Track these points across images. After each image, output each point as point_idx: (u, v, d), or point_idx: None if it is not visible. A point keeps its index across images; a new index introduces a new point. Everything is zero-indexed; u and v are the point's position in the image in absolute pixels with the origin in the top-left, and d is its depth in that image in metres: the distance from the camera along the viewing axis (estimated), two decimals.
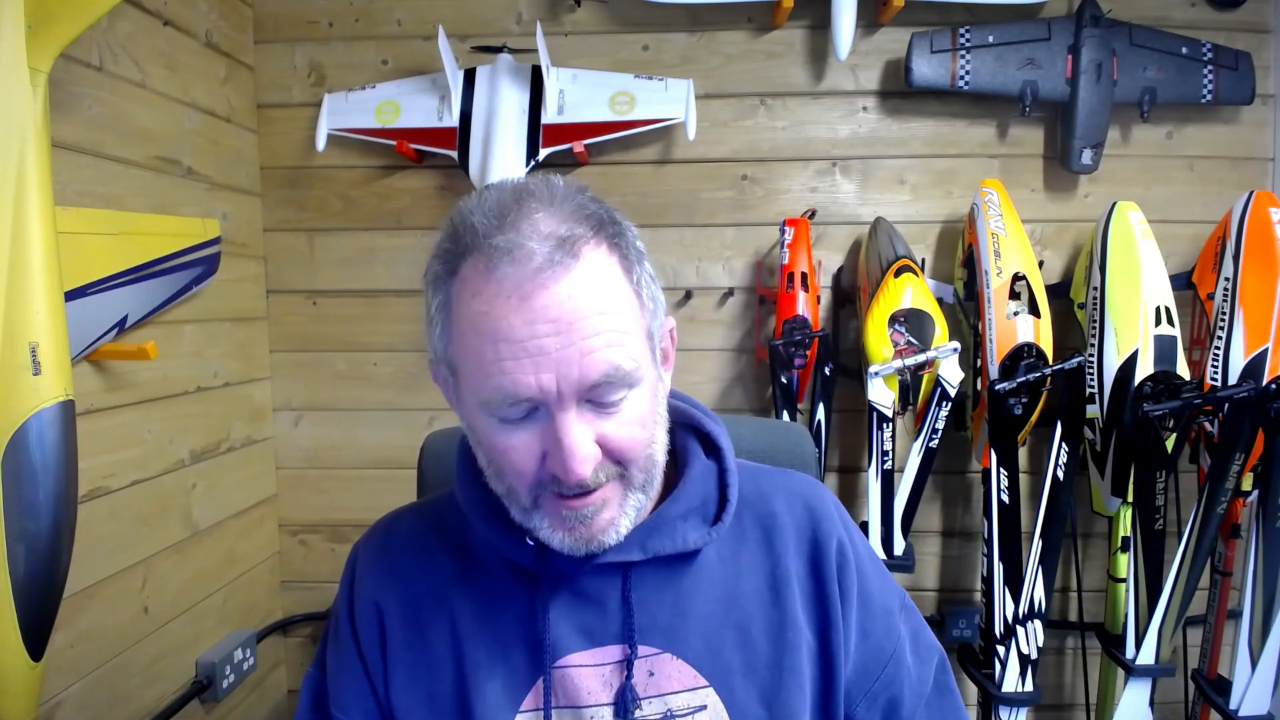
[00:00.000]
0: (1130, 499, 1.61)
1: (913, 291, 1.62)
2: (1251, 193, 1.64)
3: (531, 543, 0.69)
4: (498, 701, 0.68)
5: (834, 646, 0.71)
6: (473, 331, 0.60)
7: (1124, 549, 1.70)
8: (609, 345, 0.60)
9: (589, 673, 0.68)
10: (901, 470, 1.69)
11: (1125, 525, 1.68)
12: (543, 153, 1.76)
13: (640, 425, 0.64)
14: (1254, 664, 1.51)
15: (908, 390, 1.69)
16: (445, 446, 1.01)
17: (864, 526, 1.66)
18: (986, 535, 1.63)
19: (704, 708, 0.68)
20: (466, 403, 0.64)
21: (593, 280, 0.60)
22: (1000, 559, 1.60)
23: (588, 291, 0.60)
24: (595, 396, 0.61)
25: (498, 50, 1.82)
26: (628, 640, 0.68)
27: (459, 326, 0.62)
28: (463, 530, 0.74)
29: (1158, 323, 1.62)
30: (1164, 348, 1.61)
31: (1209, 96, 1.76)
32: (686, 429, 0.77)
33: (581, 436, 0.60)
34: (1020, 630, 1.59)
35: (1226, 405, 1.48)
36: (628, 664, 0.68)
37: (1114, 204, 1.70)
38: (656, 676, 0.68)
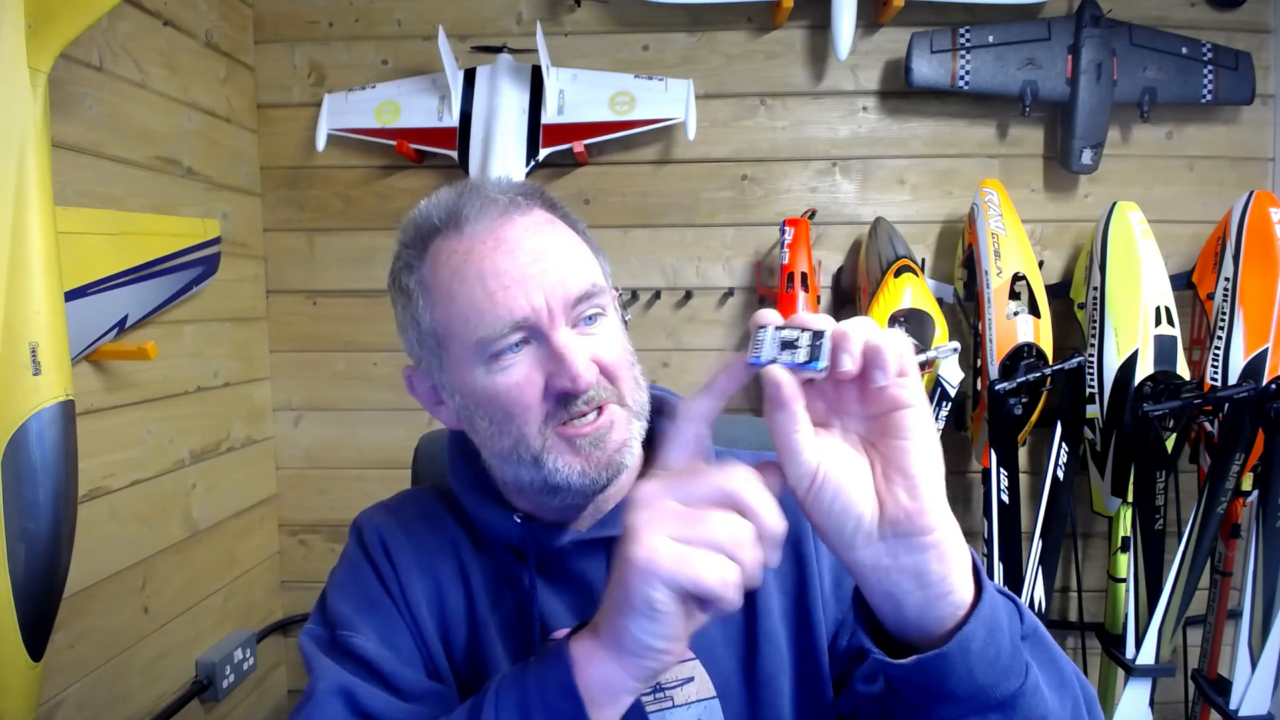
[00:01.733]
0: (1130, 499, 1.61)
1: (913, 291, 1.62)
2: (1251, 193, 1.64)
3: (518, 519, 0.71)
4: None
5: (810, 603, 0.72)
6: (457, 281, 0.65)
7: (1124, 549, 1.70)
8: (581, 268, 0.67)
9: None
10: None
11: (1125, 525, 1.68)
12: (543, 153, 1.76)
13: (620, 347, 0.68)
14: (1254, 664, 1.51)
15: None
16: (438, 447, 1.01)
17: None
18: (986, 535, 1.63)
19: (691, 679, 0.69)
20: (459, 365, 0.66)
21: (550, 224, 0.68)
22: (1000, 559, 1.60)
23: (551, 229, 0.68)
24: (578, 315, 0.66)
25: (498, 50, 1.82)
26: None
27: (441, 289, 0.66)
28: (454, 515, 0.76)
29: (1158, 323, 1.62)
30: (1164, 348, 1.61)
31: (1209, 96, 1.76)
32: (660, 415, 0.78)
33: (578, 345, 0.64)
34: None
35: (1226, 405, 1.49)
36: None
37: (1114, 204, 1.70)
38: None
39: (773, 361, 0.48)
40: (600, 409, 0.65)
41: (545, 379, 0.64)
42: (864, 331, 0.48)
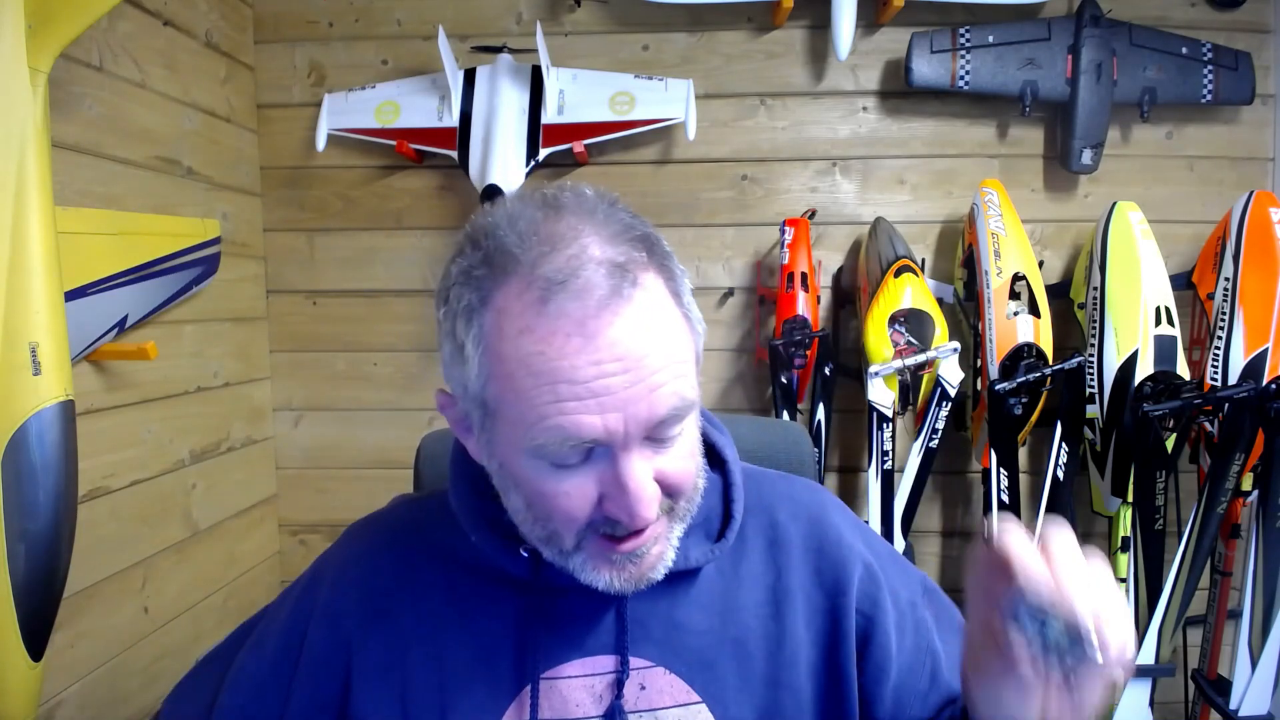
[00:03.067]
0: (1130, 499, 1.60)
1: (913, 291, 1.62)
2: (1251, 193, 1.64)
3: (525, 554, 0.66)
4: (479, 710, 0.66)
5: (843, 660, 0.68)
6: (525, 372, 0.55)
7: (1124, 549, 1.69)
8: (674, 379, 0.56)
9: (578, 684, 0.66)
10: (901, 470, 1.69)
11: (1125, 525, 1.68)
12: (543, 153, 1.76)
13: (692, 456, 0.62)
14: (1254, 664, 1.51)
15: (908, 390, 1.69)
16: (442, 448, 1.00)
17: None
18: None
19: None
20: (507, 447, 0.59)
21: (652, 311, 0.56)
22: None
23: (650, 324, 0.56)
24: (657, 434, 0.57)
25: (498, 50, 1.82)
26: (620, 652, 0.66)
27: (504, 366, 0.56)
28: (450, 537, 0.70)
29: (1158, 323, 1.62)
30: (1164, 348, 1.61)
31: (1209, 96, 1.76)
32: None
33: (646, 478, 0.57)
34: None
35: (1226, 405, 1.48)
36: (618, 676, 0.65)
37: (1114, 204, 1.70)
38: (648, 690, 0.66)
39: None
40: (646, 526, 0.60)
41: (600, 494, 0.58)
42: (1124, 626, 0.49)
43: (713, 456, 0.72)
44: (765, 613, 0.68)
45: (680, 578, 0.67)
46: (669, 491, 0.60)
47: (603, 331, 0.54)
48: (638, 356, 0.54)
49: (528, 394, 0.55)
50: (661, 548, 0.62)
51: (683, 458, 0.60)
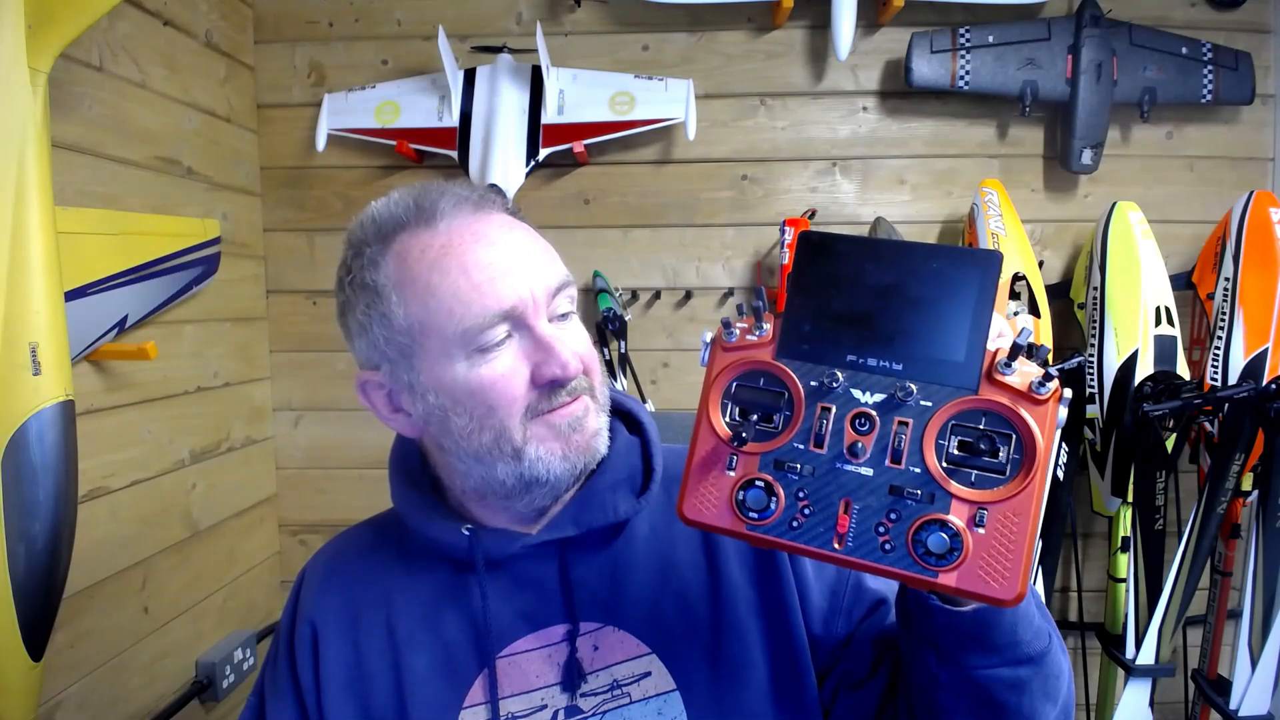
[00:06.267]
0: (1130, 499, 1.60)
1: None
2: (1251, 193, 1.64)
3: (466, 532, 0.71)
4: (442, 699, 0.70)
5: (784, 595, 0.71)
6: (437, 273, 0.64)
7: (1124, 549, 1.70)
8: (554, 260, 0.69)
9: (535, 656, 0.71)
10: None
11: (1125, 525, 1.68)
12: (543, 153, 1.76)
13: (590, 342, 0.71)
14: (1254, 664, 1.51)
15: None
16: None
17: None
18: None
19: (649, 674, 0.70)
20: (435, 364, 0.66)
21: (516, 221, 0.70)
22: None
23: (518, 225, 0.69)
24: (554, 309, 0.67)
25: (498, 50, 1.82)
26: (569, 618, 0.71)
27: (416, 284, 0.65)
28: (404, 536, 0.76)
29: (1158, 323, 1.62)
30: (1164, 348, 1.61)
31: (1209, 96, 1.76)
32: (610, 413, 0.79)
33: (562, 335, 0.66)
34: None
35: (1226, 405, 1.48)
36: (570, 641, 0.70)
37: (1114, 204, 1.70)
38: (601, 650, 0.71)
39: None
40: (576, 398, 0.68)
41: (531, 370, 0.65)
42: None
43: (630, 424, 0.79)
44: (700, 564, 0.73)
45: (615, 538, 0.73)
46: (582, 365, 0.67)
47: (485, 227, 0.66)
48: (521, 240, 0.67)
49: (444, 290, 0.64)
50: (596, 424, 0.69)
51: (582, 336, 0.70)
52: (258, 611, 1.89)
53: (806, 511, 0.50)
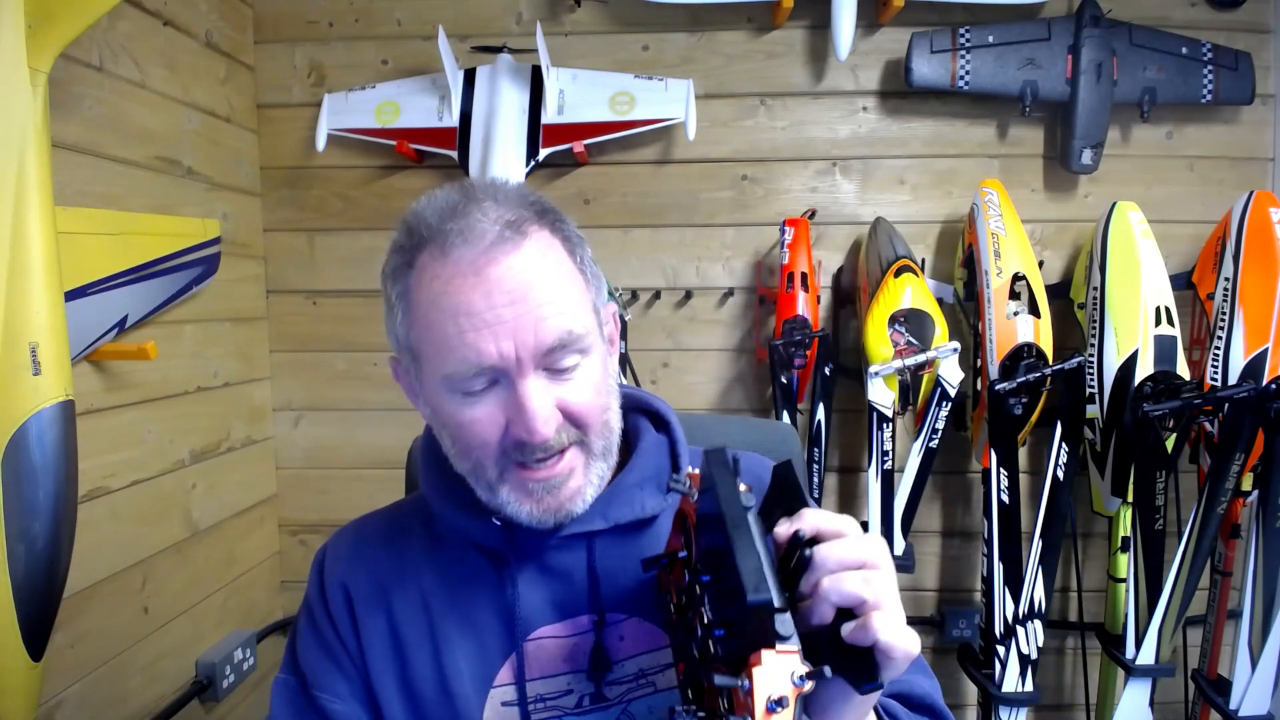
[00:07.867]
0: (1130, 499, 1.60)
1: (913, 291, 1.62)
2: (1251, 193, 1.64)
3: (498, 523, 0.71)
4: (473, 676, 0.71)
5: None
6: (434, 310, 0.64)
7: (1124, 549, 1.70)
8: (560, 313, 0.65)
9: (563, 643, 0.72)
10: (901, 470, 1.69)
11: (1125, 525, 1.68)
12: (543, 153, 1.76)
13: (595, 391, 0.68)
14: (1254, 664, 1.51)
15: (908, 390, 1.69)
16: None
17: (864, 526, 1.66)
18: (986, 535, 1.63)
19: (673, 664, 0.70)
20: (430, 385, 0.67)
21: (540, 255, 0.66)
22: (1000, 559, 1.60)
23: (537, 265, 0.65)
24: (551, 363, 0.65)
25: (498, 50, 1.82)
26: (596, 609, 0.72)
27: (419, 310, 0.66)
28: (430, 520, 0.77)
29: (1158, 323, 1.62)
30: (1164, 348, 1.61)
31: (1209, 96, 1.76)
32: (637, 411, 0.81)
33: (541, 399, 0.64)
34: (1020, 630, 1.59)
35: (1226, 405, 1.48)
36: (597, 631, 0.72)
37: (1114, 204, 1.70)
38: (627, 640, 0.72)
39: None
40: (562, 452, 0.67)
41: (506, 419, 0.65)
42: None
43: (658, 423, 0.80)
44: None
45: (642, 532, 0.74)
46: (573, 420, 0.67)
47: (490, 270, 0.63)
48: (524, 291, 0.63)
49: (436, 329, 0.64)
50: (579, 483, 0.68)
51: (583, 390, 0.67)
52: (258, 611, 1.89)
53: None
